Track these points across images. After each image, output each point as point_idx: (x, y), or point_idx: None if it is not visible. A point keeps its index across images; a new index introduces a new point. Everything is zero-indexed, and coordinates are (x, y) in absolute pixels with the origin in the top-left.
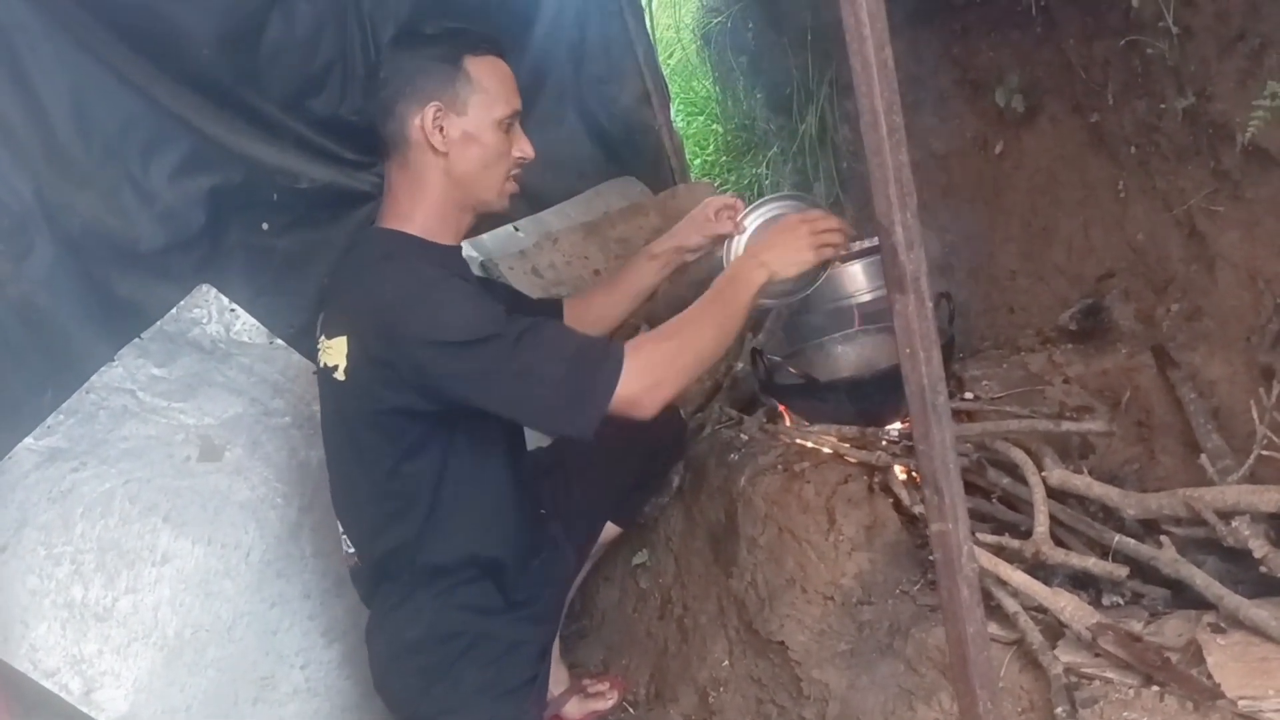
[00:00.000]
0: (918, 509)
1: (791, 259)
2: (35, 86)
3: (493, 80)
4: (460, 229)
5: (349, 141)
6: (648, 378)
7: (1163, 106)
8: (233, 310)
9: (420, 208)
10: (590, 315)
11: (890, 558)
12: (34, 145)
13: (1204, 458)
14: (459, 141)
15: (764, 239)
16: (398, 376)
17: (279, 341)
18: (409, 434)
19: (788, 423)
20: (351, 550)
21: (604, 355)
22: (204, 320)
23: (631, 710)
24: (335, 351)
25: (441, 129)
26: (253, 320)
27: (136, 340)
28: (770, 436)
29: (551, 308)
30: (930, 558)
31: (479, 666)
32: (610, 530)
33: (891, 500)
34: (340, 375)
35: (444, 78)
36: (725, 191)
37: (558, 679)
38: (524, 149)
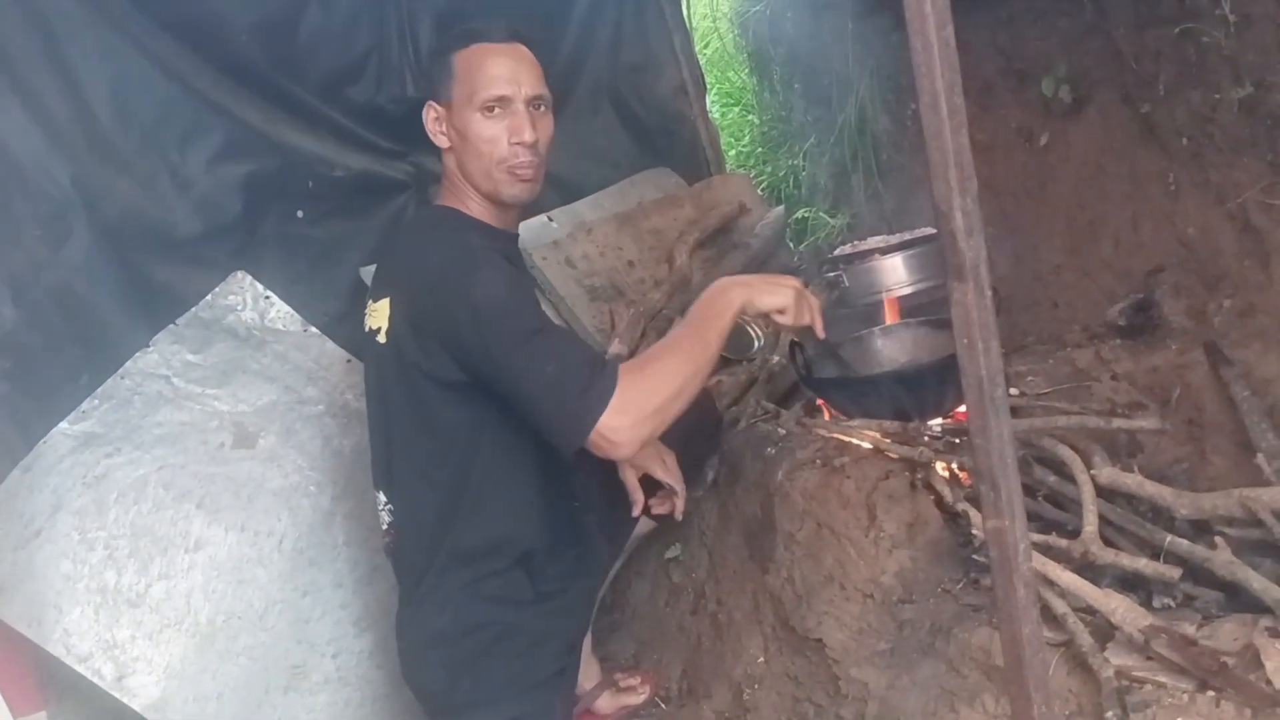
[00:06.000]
0: (960, 506)
1: (771, 291)
2: (76, 74)
3: (473, 69)
4: (504, 218)
5: (385, 130)
6: (634, 412)
7: (1217, 97)
8: (267, 297)
9: (463, 195)
10: None
11: (932, 555)
12: (74, 132)
13: (1260, 457)
14: (457, 137)
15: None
16: (432, 339)
17: (313, 329)
18: (442, 403)
19: (826, 417)
20: (387, 524)
21: (599, 375)
22: (239, 307)
23: (664, 705)
24: (379, 314)
25: (441, 127)
26: (287, 308)
27: (171, 326)
28: (808, 430)
29: None
30: (974, 556)
31: (507, 659)
32: (644, 524)
33: (933, 497)
34: (382, 338)
35: (436, 76)
36: (760, 183)
37: (589, 673)
38: (518, 132)
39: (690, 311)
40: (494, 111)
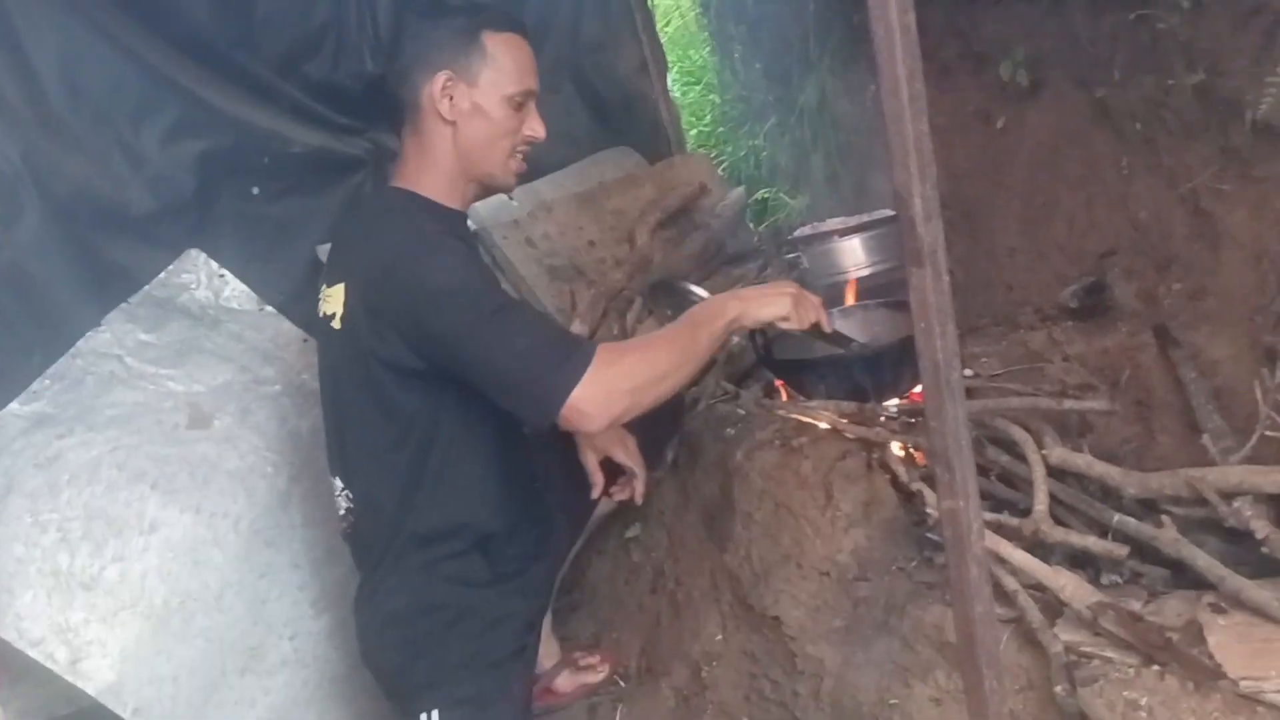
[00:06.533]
0: (915, 485)
1: (768, 302)
2: (25, 49)
3: (508, 57)
4: (466, 197)
5: (342, 106)
6: (608, 385)
7: (1171, 82)
8: (222, 276)
9: (428, 172)
10: None
11: (887, 534)
12: (24, 109)
13: (1206, 438)
14: (467, 112)
15: (752, 288)
16: (388, 326)
17: (269, 308)
18: (399, 390)
19: (785, 398)
20: (345, 509)
21: (575, 348)
22: (193, 286)
23: (622, 684)
24: (334, 299)
25: (451, 98)
26: (242, 286)
27: (124, 305)
28: (767, 411)
29: None
30: (928, 535)
31: (465, 639)
32: (605, 504)
33: (889, 477)
34: (336, 324)
35: (459, 48)
36: (721, 163)
37: (549, 652)
38: (534, 129)
39: (686, 314)
40: (519, 105)
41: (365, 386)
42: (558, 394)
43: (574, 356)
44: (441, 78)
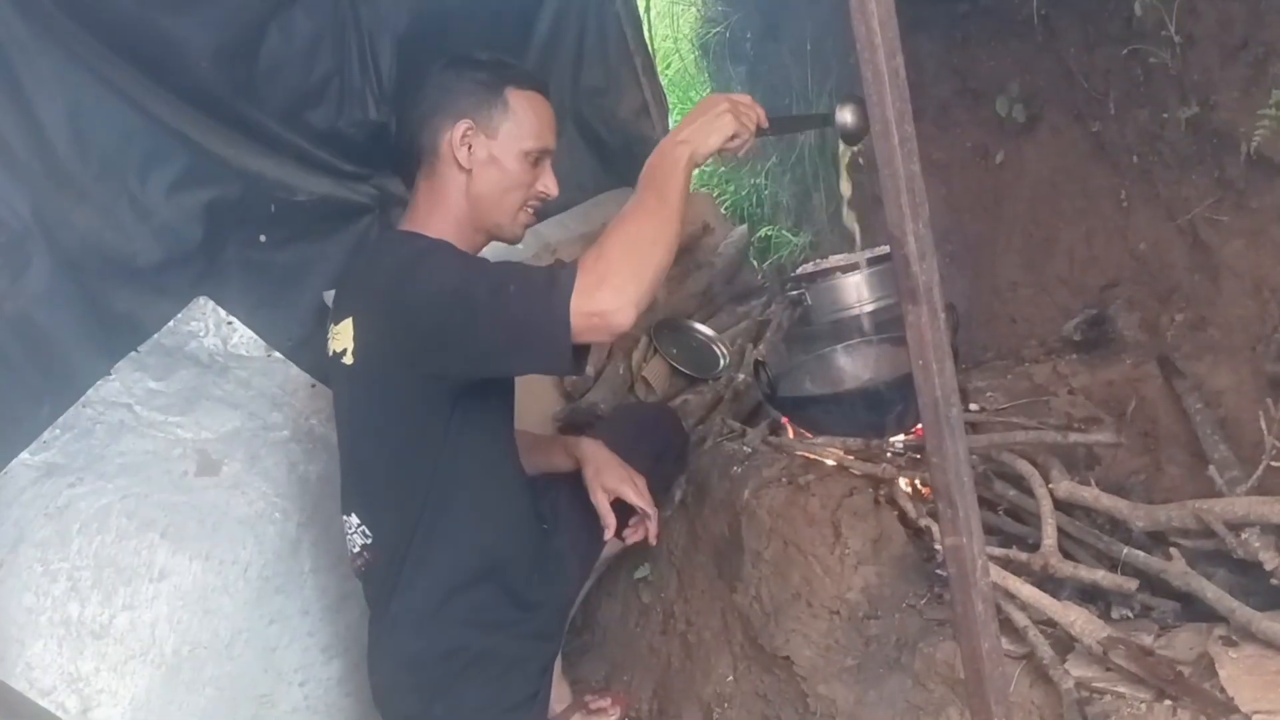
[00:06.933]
0: (924, 522)
1: (710, 128)
2: (32, 102)
3: (529, 114)
4: (474, 246)
5: (347, 154)
6: (606, 285)
7: (1165, 116)
8: (230, 323)
9: (439, 218)
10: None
11: (897, 571)
12: (31, 161)
13: (1212, 469)
14: (483, 161)
15: (686, 118)
16: (397, 348)
17: (277, 354)
18: (413, 426)
19: (791, 435)
20: (360, 547)
21: (554, 275)
22: (201, 333)
23: None
24: (343, 335)
25: (469, 146)
26: (250, 333)
27: (133, 354)
28: (774, 449)
29: None
30: (938, 571)
31: (480, 683)
32: (613, 545)
33: (897, 513)
34: (348, 359)
35: (481, 100)
36: (723, 202)
37: (560, 695)
38: (547, 185)
39: (640, 179)
40: (534, 161)
41: (380, 421)
42: (560, 315)
43: (558, 277)
44: (462, 126)
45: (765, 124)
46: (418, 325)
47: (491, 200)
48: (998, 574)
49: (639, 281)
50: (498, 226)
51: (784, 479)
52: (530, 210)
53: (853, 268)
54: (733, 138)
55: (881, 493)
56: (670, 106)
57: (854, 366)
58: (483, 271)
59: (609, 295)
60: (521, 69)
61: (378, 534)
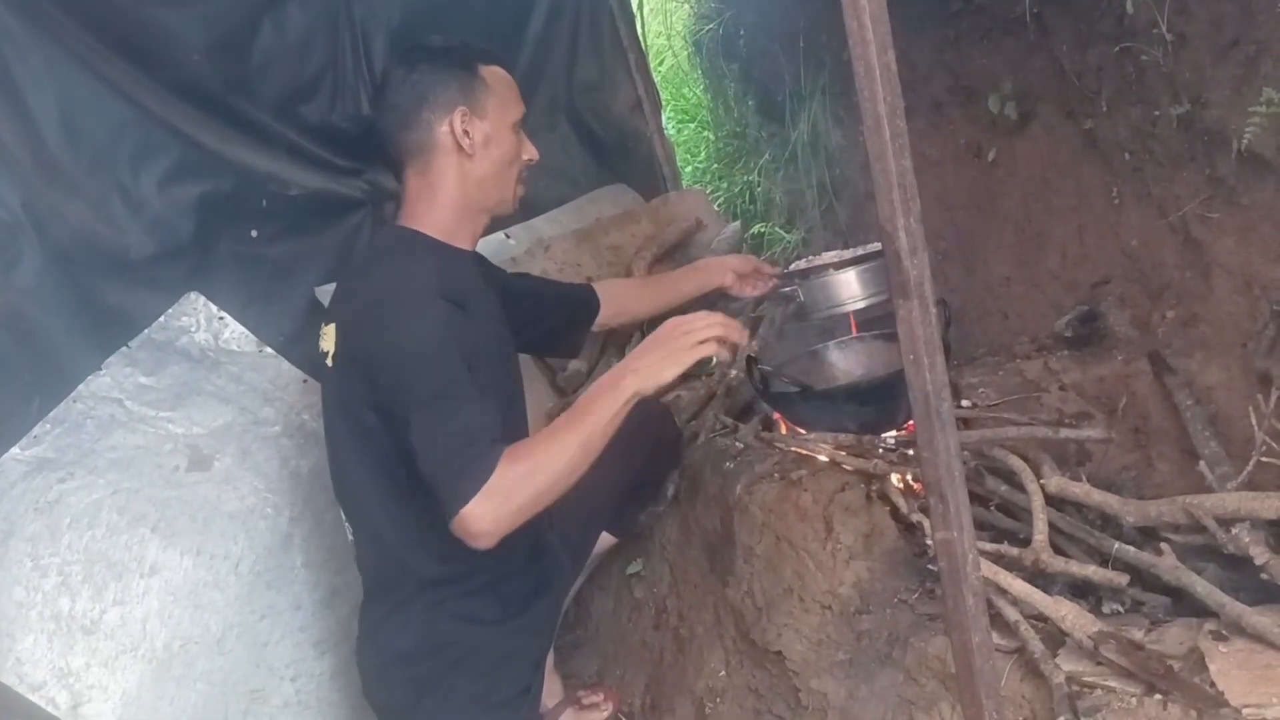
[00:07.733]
0: (915, 517)
1: (660, 368)
2: (24, 95)
3: (503, 85)
4: (475, 232)
5: (340, 148)
6: (500, 503)
7: (1157, 113)
8: (221, 318)
9: (437, 211)
10: (615, 305)
11: (888, 566)
12: (23, 154)
13: (1202, 464)
14: (481, 144)
15: (644, 344)
16: (358, 372)
17: (268, 350)
18: (387, 432)
19: (784, 430)
20: (352, 536)
21: (481, 456)
22: (192, 328)
23: None
24: (328, 338)
25: (468, 132)
26: (241, 328)
27: (124, 349)
28: (766, 444)
29: (580, 292)
30: (929, 566)
31: (470, 678)
32: (605, 540)
33: (889, 508)
34: (329, 361)
35: (464, 84)
36: (716, 199)
37: (552, 690)
38: (530, 151)
39: (581, 400)
40: (517, 131)
41: (355, 424)
42: (454, 505)
43: (474, 467)
44: (459, 114)
45: (744, 342)
46: (372, 372)
47: (494, 178)
48: (989, 569)
49: (525, 516)
50: (501, 203)
51: (776, 474)
52: (523, 180)
53: (845, 265)
54: (699, 363)
55: (873, 488)
56: (664, 103)
57: (846, 362)
58: (440, 381)
59: (489, 525)
60: (478, 45)
61: (359, 533)
